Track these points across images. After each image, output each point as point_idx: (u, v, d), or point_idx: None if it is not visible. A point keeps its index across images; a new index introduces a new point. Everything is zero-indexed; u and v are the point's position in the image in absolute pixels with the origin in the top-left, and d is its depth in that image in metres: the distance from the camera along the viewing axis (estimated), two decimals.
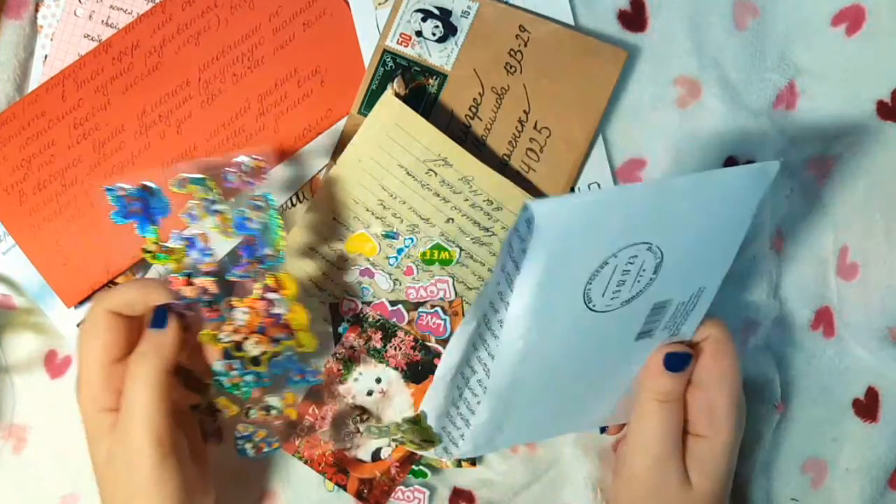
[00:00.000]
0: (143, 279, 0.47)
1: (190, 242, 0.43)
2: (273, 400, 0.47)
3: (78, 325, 0.50)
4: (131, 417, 0.40)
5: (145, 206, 0.43)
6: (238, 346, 0.44)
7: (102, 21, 0.49)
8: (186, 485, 0.42)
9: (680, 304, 0.42)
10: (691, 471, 0.44)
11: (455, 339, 0.41)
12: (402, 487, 0.51)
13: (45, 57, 0.49)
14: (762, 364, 0.52)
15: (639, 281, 0.39)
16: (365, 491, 0.50)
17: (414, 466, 0.50)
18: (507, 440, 0.47)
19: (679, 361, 0.43)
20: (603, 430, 0.49)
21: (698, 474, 0.44)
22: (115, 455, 0.41)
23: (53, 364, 0.52)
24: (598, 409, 0.47)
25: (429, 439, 0.45)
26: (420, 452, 0.46)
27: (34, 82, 0.49)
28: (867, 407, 0.53)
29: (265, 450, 0.47)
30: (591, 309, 0.39)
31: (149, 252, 0.43)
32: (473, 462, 0.51)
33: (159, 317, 0.42)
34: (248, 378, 0.45)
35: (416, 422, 0.44)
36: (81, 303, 0.49)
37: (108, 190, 0.42)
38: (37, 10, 0.49)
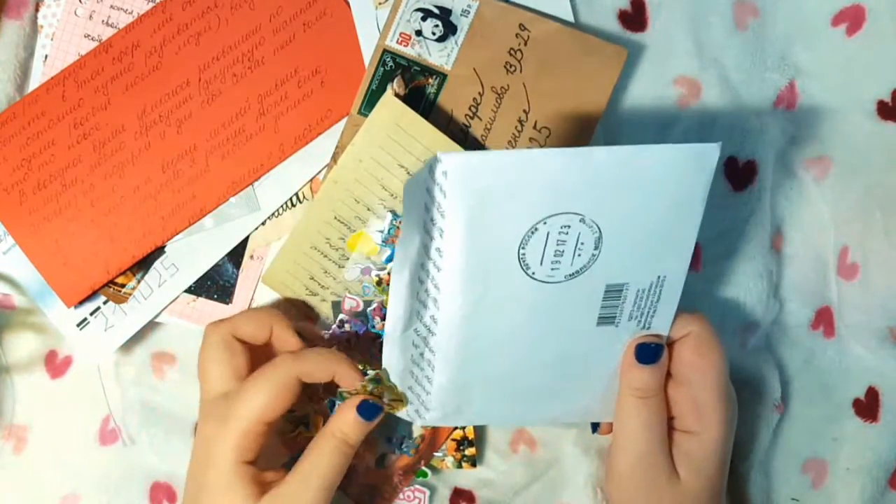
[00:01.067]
0: (324, 351, 0.44)
1: None
2: None
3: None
4: (314, 490, 0.41)
5: None
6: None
7: (103, 21, 0.49)
8: None
9: (640, 290, 0.41)
10: (680, 467, 0.43)
11: (393, 290, 0.41)
12: (403, 489, 0.51)
13: (46, 57, 0.49)
14: (762, 364, 0.52)
15: (579, 255, 0.39)
16: (366, 497, 0.50)
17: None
18: (476, 415, 0.46)
19: (650, 352, 0.43)
20: (595, 430, 0.49)
21: (688, 470, 0.43)
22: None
23: (53, 364, 0.52)
24: (575, 399, 0.46)
25: (397, 398, 0.45)
26: (393, 412, 0.46)
27: (34, 82, 0.49)
28: (867, 407, 0.53)
29: None
30: (531, 277, 0.40)
31: (378, 278, 0.47)
32: (474, 462, 0.51)
33: (372, 411, 0.42)
34: None
35: (379, 380, 0.44)
36: (81, 303, 0.49)
37: (393, 212, 0.46)
38: (37, 10, 0.49)
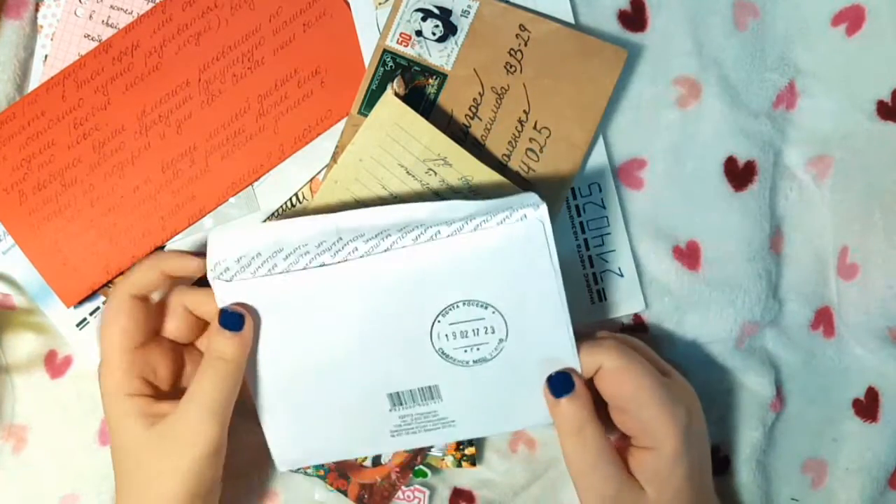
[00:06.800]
0: (157, 254, 0.46)
1: None
2: None
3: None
4: (196, 414, 0.42)
5: None
6: None
7: (103, 21, 0.49)
8: (217, 474, 0.44)
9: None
10: (647, 484, 0.43)
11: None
12: (402, 487, 0.51)
13: (46, 57, 0.49)
14: (757, 363, 0.52)
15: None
16: (365, 496, 0.50)
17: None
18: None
19: (560, 383, 0.43)
20: None
21: (654, 487, 0.43)
22: (160, 437, 0.42)
23: (53, 364, 0.52)
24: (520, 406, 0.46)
25: None
26: None
27: (34, 82, 0.49)
28: (867, 407, 0.53)
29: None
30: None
31: None
32: (473, 462, 0.51)
33: (233, 319, 0.42)
34: None
35: None
36: (81, 303, 0.49)
37: None
38: (37, 10, 0.49)
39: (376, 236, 0.42)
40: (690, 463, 0.43)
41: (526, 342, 0.43)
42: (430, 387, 0.45)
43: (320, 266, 0.42)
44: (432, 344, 0.43)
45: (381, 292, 0.42)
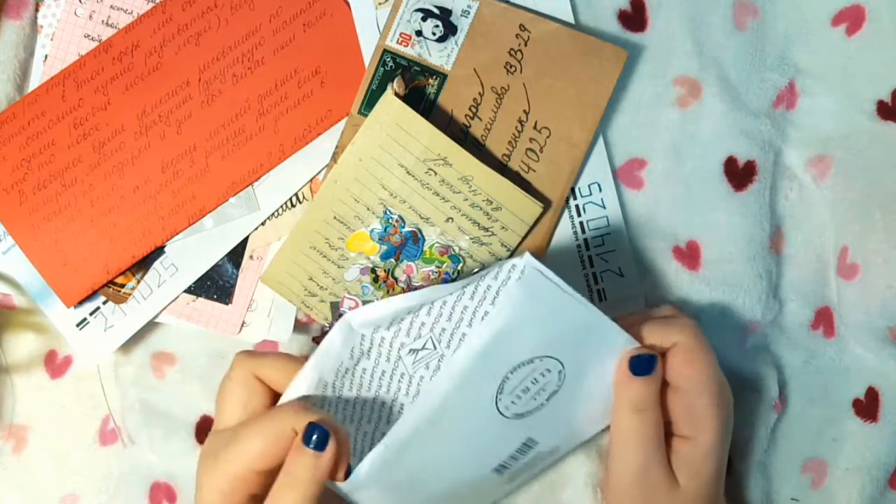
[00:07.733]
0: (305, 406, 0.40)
1: (411, 287, 0.48)
2: None
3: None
4: None
5: (402, 244, 0.47)
6: None
7: (103, 21, 0.49)
8: None
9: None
10: (679, 472, 0.43)
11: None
12: None
13: (46, 57, 0.49)
14: (760, 363, 0.52)
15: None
16: None
17: None
18: None
19: (645, 364, 0.43)
20: None
21: (686, 475, 0.43)
22: None
23: (53, 364, 0.52)
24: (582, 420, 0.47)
25: None
26: None
27: (34, 82, 0.49)
28: (867, 407, 0.53)
29: None
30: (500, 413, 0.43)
31: (375, 274, 0.48)
32: None
33: (320, 436, 0.38)
34: None
35: None
36: (81, 303, 0.49)
37: (387, 211, 0.47)
38: (37, 10, 0.49)
39: (392, 323, 0.42)
40: (721, 457, 0.44)
41: (584, 359, 0.43)
42: (523, 444, 0.45)
43: (357, 382, 0.43)
44: (504, 416, 0.43)
45: (437, 406, 0.42)
